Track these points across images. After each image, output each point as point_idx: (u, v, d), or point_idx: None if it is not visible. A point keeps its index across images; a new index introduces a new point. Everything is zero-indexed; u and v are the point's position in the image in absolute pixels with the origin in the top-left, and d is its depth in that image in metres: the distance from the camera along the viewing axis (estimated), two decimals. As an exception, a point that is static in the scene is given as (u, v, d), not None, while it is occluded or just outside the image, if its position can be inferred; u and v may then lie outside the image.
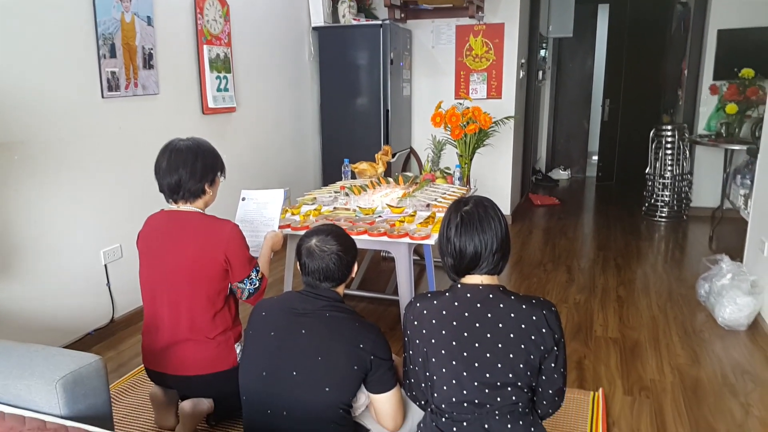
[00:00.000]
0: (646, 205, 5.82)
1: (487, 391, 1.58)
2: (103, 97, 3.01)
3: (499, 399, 1.59)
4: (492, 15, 5.24)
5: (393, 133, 5.03)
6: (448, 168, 4.07)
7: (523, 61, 5.56)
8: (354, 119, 5.03)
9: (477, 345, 1.60)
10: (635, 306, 3.50)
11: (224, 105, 3.89)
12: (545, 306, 1.62)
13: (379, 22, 4.84)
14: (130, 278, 3.29)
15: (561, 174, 7.91)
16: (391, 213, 3.23)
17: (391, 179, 4.00)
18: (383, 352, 1.80)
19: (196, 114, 3.74)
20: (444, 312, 1.65)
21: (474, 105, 3.99)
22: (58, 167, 2.83)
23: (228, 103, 3.93)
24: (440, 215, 3.14)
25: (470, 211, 1.68)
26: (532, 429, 1.63)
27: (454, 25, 5.32)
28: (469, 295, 1.65)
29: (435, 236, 2.84)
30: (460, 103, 4.19)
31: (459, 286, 1.68)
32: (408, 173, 4.16)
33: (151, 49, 3.30)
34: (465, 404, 1.60)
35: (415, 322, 1.69)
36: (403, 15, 5.28)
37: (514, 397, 1.59)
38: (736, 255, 3.59)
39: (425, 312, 1.68)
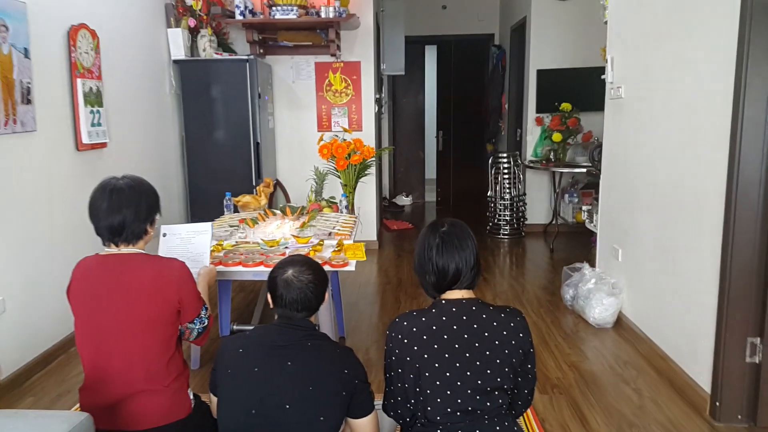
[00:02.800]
0: (490, 224, 6.45)
1: (478, 397, 1.72)
2: (-20, 135, 2.67)
3: (488, 403, 1.73)
4: (349, 53, 5.51)
5: (263, 165, 5.02)
6: (332, 197, 4.18)
7: (377, 96, 5.89)
8: (222, 152, 4.92)
9: (468, 355, 1.73)
10: (516, 315, 3.90)
11: (98, 140, 3.62)
12: (518, 314, 1.83)
13: (245, 57, 4.84)
14: (15, 334, 2.94)
15: (404, 200, 8.40)
16: (297, 243, 3.25)
17: (278, 211, 4.00)
18: (364, 375, 1.86)
19: (71, 150, 3.44)
20: (434, 327, 1.76)
21: (355, 137, 4.17)
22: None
23: (101, 138, 3.66)
24: (347, 242, 3.25)
25: (449, 232, 1.83)
26: (515, 428, 1.81)
27: (314, 62, 5.49)
28: (454, 309, 1.79)
29: (353, 263, 2.95)
30: (336, 136, 4.35)
31: (443, 302, 1.81)
32: (293, 204, 4.20)
33: (29, 83, 2.99)
34: (458, 413, 1.72)
35: (405, 340, 1.78)
36: (262, 51, 5.32)
37: (500, 400, 1.75)
38: (579, 262, 4.12)
39: (414, 329, 1.77)
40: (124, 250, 2.04)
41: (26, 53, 3.00)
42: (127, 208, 2.00)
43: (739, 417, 2.55)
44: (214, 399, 1.94)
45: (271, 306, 1.91)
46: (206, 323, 2.14)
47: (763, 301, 2.47)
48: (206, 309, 2.14)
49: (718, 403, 2.56)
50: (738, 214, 2.47)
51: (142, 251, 2.07)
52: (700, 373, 2.72)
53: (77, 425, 1.48)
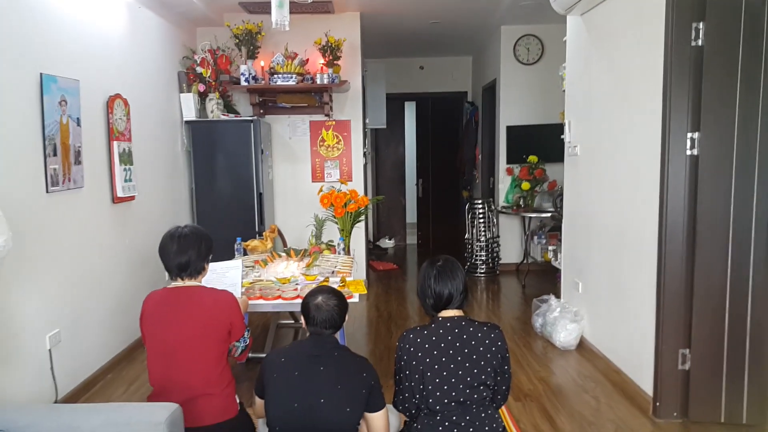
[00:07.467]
0: (468, 264, 7.06)
1: (468, 391, 2.28)
2: (47, 192, 3.21)
3: (475, 396, 2.29)
4: (340, 113, 6.18)
5: (265, 212, 5.59)
6: (331, 241, 4.75)
7: (365, 150, 6.55)
8: (227, 201, 5.49)
9: (459, 358, 2.30)
10: (494, 341, 4.48)
11: (129, 194, 4.18)
12: (496, 327, 2.40)
13: (250, 118, 5.47)
14: (67, 362, 3.41)
15: (387, 243, 9.01)
16: (306, 280, 3.80)
17: (283, 253, 4.55)
18: (377, 378, 2.41)
19: (108, 203, 4.00)
20: (434, 338, 2.33)
21: (350, 188, 4.78)
22: (9, 259, 2.96)
23: (132, 192, 4.22)
24: (349, 279, 3.81)
25: (443, 265, 2.42)
26: (496, 416, 2.36)
27: (308, 120, 6.14)
28: (448, 324, 2.36)
29: (357, 295, 3.50)
30: (332, 187, 4.96)
31: (440, 318, 2.39)
32: (295, 247, 4.75)
33: (79, 146, 3.57)
34: (453, 403, 2.28)
35: (411, 348, 2.34)
36: (262, 111, 5.96)
37: (484, 394, 2.31)
38: (546, 294, 4.72)
39: (419, 340, 2.34)
40: (188, 283, 2.58)
41: (78, 122, 3.58)
42: (192, 249, 2.55)
43: (675, 414, 3.15)
44: (259, 401, 2.45)
45: (304, 326, 2.46)
46: (248, 342, 2.67)
47: (689, 320, 3.09)
48: (248, 331, 2.67)
49: (658, 404, 3.16)
50: (667, 249, 3.12)
51: (200, 284, 2.61)
52: (645, 380, 3.32)
53: (173, 411, 1.99)
